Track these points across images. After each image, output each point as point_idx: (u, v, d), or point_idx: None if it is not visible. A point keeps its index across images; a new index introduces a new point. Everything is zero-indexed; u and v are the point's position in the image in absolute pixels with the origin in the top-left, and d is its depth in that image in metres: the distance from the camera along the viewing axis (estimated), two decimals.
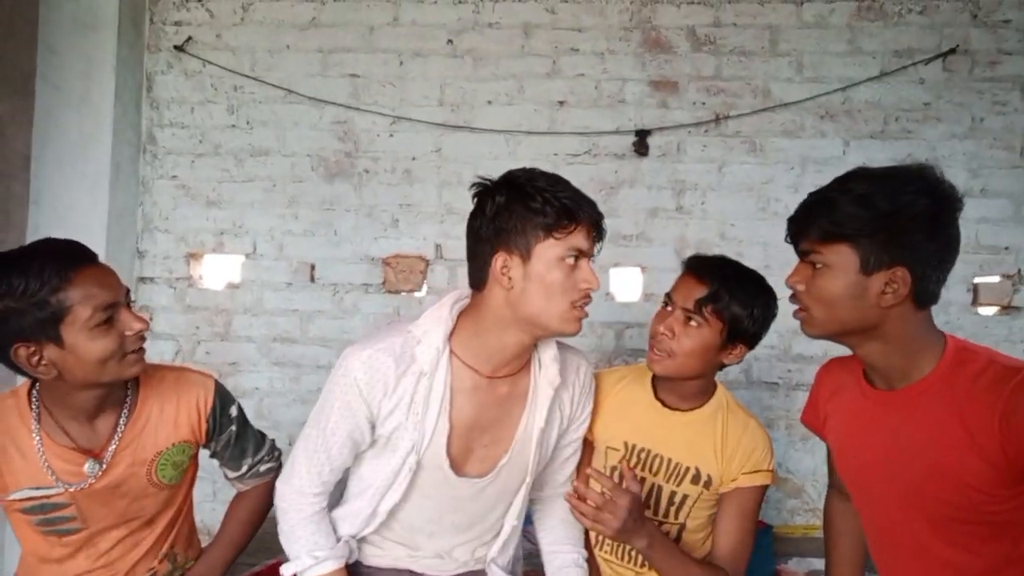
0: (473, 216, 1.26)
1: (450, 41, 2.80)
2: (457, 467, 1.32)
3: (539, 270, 1.19)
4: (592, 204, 1.25)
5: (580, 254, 1.22)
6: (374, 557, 1.43)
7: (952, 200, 1.12)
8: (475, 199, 1.26)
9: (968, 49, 2.67)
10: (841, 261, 1.12)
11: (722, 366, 1.51)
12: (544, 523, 1.57)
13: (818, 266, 1.14)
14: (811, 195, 1.18)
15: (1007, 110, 2.66)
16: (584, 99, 2.77)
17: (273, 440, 1.59)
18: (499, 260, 1.20)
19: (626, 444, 1.55)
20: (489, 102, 2.79)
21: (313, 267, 2.81)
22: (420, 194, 2.80)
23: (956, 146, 2.67)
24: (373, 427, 1.30)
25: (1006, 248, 2.65)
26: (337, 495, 1.44)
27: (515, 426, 1.35)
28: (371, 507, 1.36)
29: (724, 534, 1.51)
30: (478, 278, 1.26)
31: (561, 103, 2.77)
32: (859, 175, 1.15)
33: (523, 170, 1.26)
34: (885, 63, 2.70)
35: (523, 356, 1.32)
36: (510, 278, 1.20)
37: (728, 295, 1.42)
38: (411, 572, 1.43)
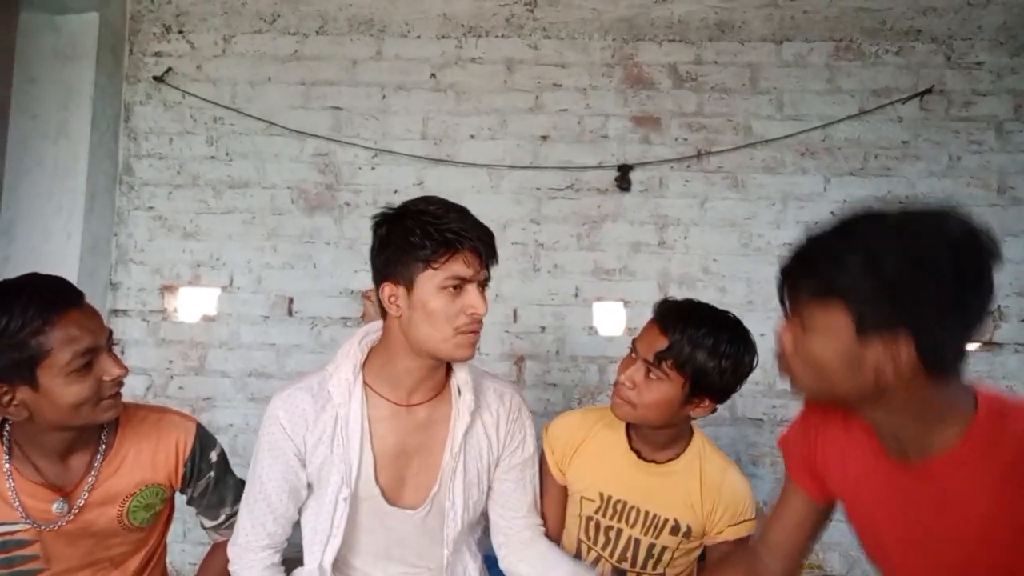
0: (371, 247, 1.31)
1: (433, 75, 2.80)
2: (391, 498, 1.33)
3: (422, 298, 1.23)
4: (479, 230, 1.25)
5: (463, 281, 1.23)
6: None
7: (980, 253, 0.87)
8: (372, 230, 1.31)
9: (944, 89, 2.72)
10: (834, 323, 0.92)
11: (691, 418, 1.45)
12: (526, 568, 1.49)
13: (807, 328, 0.97)
14: (809, 240, 0.99)
15: (983, 149, 2.70)
16: (567, 134, 2.78)
17: None
18: (386, 290, 1.26)
19: (601, 495, 1.52)
20: (472, 136, 2.78)
21: (291, 300, 2.76)
22: None
23: (935, 184, 2.70)
24: (304, 465, 1.32)
25: None
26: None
27: (440, 452, 1.35)
28: (316, 562, 1.33)
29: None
30: (381, 307, 1.30)
31: (544, 138, 2.78)
32: (867, 221, 0.93)
33: (419, 199, 1.29)
34: (864, 101, 2.74)
35: (431, 380, 1.34)
36: (398, 307, 1.26)
37: (691, 348, 1.35)
38: None
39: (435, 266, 1.22)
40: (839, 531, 2.66)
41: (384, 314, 1.31)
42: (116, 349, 2.68)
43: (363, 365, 1.34)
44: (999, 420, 0.92)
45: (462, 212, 1.26)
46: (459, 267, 1.22)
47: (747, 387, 2.66)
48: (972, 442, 0.92)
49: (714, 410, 1.43)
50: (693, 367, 1.35)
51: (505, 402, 1.43)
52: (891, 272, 0.87)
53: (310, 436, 1.30)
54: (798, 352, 0.99)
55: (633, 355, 1.43)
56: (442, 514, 1.36)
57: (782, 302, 1.04)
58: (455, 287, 1.23)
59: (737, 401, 2.70)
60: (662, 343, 1.36)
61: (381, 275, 1.27)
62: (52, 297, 1.18)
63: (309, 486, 1.35)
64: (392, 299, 1.26)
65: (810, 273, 0.97)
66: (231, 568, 1.37)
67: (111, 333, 1.27)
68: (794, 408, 2.67)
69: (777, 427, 2.70)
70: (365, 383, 1.32)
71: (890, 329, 0.88)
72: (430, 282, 1.22)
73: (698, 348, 1.35)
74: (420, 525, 1.35)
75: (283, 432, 1.30)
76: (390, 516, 1.33)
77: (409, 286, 1.24)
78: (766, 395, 2.71)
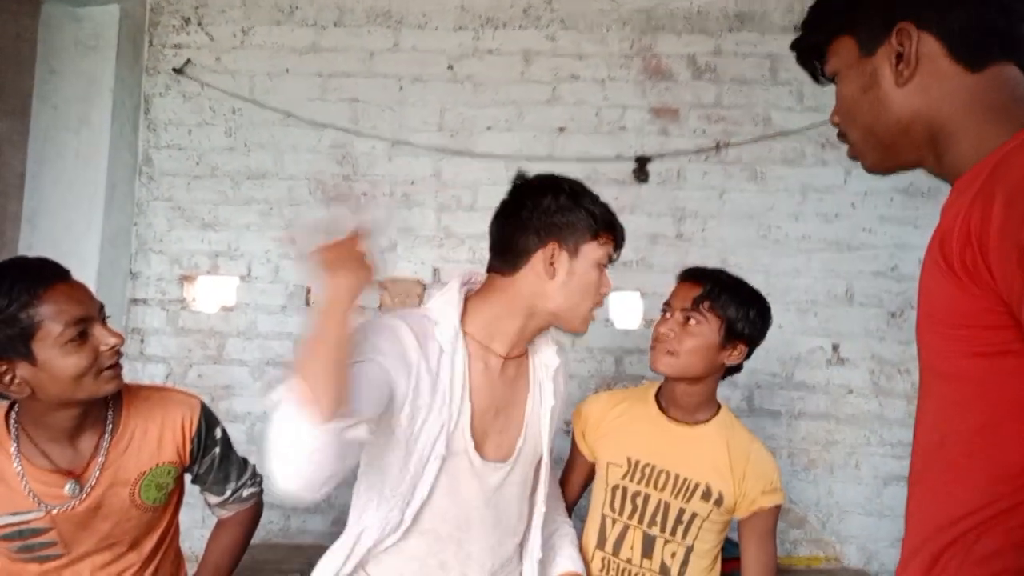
0: (518, 207, 1.29)
1: (450, 67, 2.80)
2: (480, 451, 1.30)
3: (582, 267, 1.27)
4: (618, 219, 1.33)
5: (609, 262, 1.31)
6: (382, 562, 1.31)
7: None
8: (521, 193, 1.31)
9: None
10: (842, 58, 0.87)
11: (724, 370, 1.52)
12: None
13: (836, 82, 0.89)
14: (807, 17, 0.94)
15: None
16: (584, 126, 2.76)
17: (255, 465, 1.55)
18: (549, 250, 1.25)
19: (629, 460, 1.52)
20: (489, 128, 2.78)
21: (308, 290, 2.78)
22: (418, 218, 2.78)
23: None
24: (396, 393, 1.17)
25: None
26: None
27: (523, 407, 1.37)
28: (397, 517, 1.25)
29: (755, 562, 1.50)
30: (511, 263, 1.28)
31: (561, 129, 2.77)
32: None
33: (563, 177, 1.32)
34: None
35: (530, 340, 1.38)
36: (554, 268, 1.26)
37: (723, 294, 1.47)
38: None
39: (601, 240, 1.27)
40: (857, 524, 2.67)
41: (505, 270, 1.27)
42: (136, 337, 2.74)
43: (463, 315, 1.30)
44: None
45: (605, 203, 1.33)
46: (611, 248, 1.30)
47: (765, 379, 2.67)
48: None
49: (747, 356, 1.51)
50: (726, 310, 1.46)
51: (560, 358, 1.48)
52: None
53: (422, 366, 1.20)
54: (840, 113, 0.91)
55: (667, 314, 1.52)
56: (523, 469, 1.37)
57: (816, 78, 0.95)
58: (603, 267, 1.30)
59: (755, 393, 2.69)
60: (697, 290, 1.48)
61: (544, 234, 1.25)
62: (37, 273, 1.21)
63: (388, 427, 1.20)
64: (552, 260, 1.25)
65: (812, 30, 0.91)
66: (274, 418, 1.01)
67: (103, 306, 1.28)
68: (811, 401, 2.67)
69: (794, 420, 2.69)
70: (467, 334, 1.29)
71: (891, 27, 0.80)
72: (593, 254, 1.27)
73: (729, 292, 1.48)
74: (503, 481, 1.33)
75: (405, 340, 1.19)
76: (478, 472, 1.29)
77: (573, 252, 1.26)
78: (784, 387, 2.70)
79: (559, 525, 1.54)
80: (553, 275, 1.26)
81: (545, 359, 1.41)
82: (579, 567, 1.47)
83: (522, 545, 1.43)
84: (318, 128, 2.79)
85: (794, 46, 0.94)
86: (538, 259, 1.26)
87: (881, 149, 0.89)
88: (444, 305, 1.30)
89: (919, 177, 2.67)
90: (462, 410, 1.27)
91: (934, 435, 0.78)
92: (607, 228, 1.28)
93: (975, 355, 0.71)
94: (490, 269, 1.33)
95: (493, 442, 1.33)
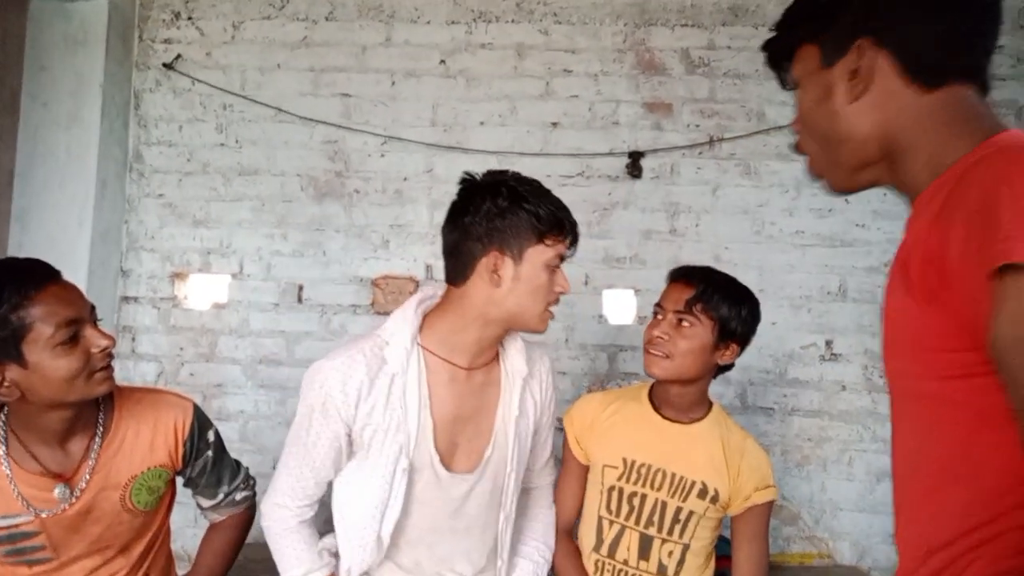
0: (461, 213, 1.27)
1: (443, 61, 2.78)
2: (447, 463, 1.32)
3: (528, 272, 1.24)
4: (571, 216, 1.30)
5: (561, 261, 1.28)
6: None
7: None
8: (465, 196, 1.29)
9: None
10: (804, 66, 0.86)
11: (717, 369, 1.52)
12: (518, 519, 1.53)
13: (798, 91, 0.88)
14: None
15: None
16: (577, 120, 2.75)
17: (247, 468, 1.54)
18: (491, 258, 1.24)
19: (624, 460, 1.51)
20: (482, 123, 2.77)
21: (301, 288, 2.77)
22: (411, 215, 2.77)
23: None
24: (350, 435, 1.30)
25: None
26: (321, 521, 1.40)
27: (493, 416, 1.37)
28: (374, 533, 1.31)
29: (748, 560, 1.49)
30: (460, 273, 1.28)
31: (554, 124, 2.76)
32: None
33: (512, 174, 1.29)
34: None
35: (494, 347, 1.37)
36: (499, 276, 1.24)
37: (715, 294, 1.46)
38: None
39: (548, 242, 1.24)
40: (850, 521, 2.67)
41: (456, 280, 1.28)
42: (127, 335, 2.73)
43: (420, 331, 1.32)
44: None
45: (556, 197, 1.30)
46: (563, 247, 1.27)
47: (758, 376, 2.67)
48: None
49: (739, 354, 1.51)
50: (719, 310, 1.45)
51: (544, 365, 1.48)
52: None
53: (363, 406, 1.26)
54: (799, 122, 0.90)
55: (659, 316, 1.51)
56: (494, 478, 1.37)
57: (783, 83, 0.93)
58: (554, 267, 1.27)
59: (748, 390, 2.69)
60: (689, 292, 1.46)
61: (485, 242, 1.23)
62: (28, 275, 1.19)
63: (351, 453, 1.33)
64: (495, 268, 1.24)
65: (781, 34, 0.90)
66: (262, 523, 1.37)
67: (94, 307, 1.27)
68: (804, 398, 2.67)
69: (787, 416, 2.69)
70: (424, 348, 1.31)
71: (851, 41, 0.80)
72: (540, 256, 1.24)
73: (721, 292, 1.46)
74: (471, 491, 1.35)
75: (334, 402, 1.26)
76: (444, 484, 1.32)
77: (517, 258, 1.24)
78: (777, 384, 2.70)
79: (525, 552, 1.52)
80: (499, 283, 1.24)
81: (516, 367, 1.39)
82: None
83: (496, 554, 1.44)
84: (309, 124, 2.77)
85: (764, 47, 0.93)
86: (483, 267, 1.24)
87: (837, 164, 0.88)
88: (399, 323, 1.31)
89: None
90: (421, 425, 1.28)
91: (910, 460, 0.78)
92: (554, 228, 1.24)
93: (942, 378, 0.71)
94: (446, 280, 1.32)
95: (463, 451, 1.35)
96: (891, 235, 2.69)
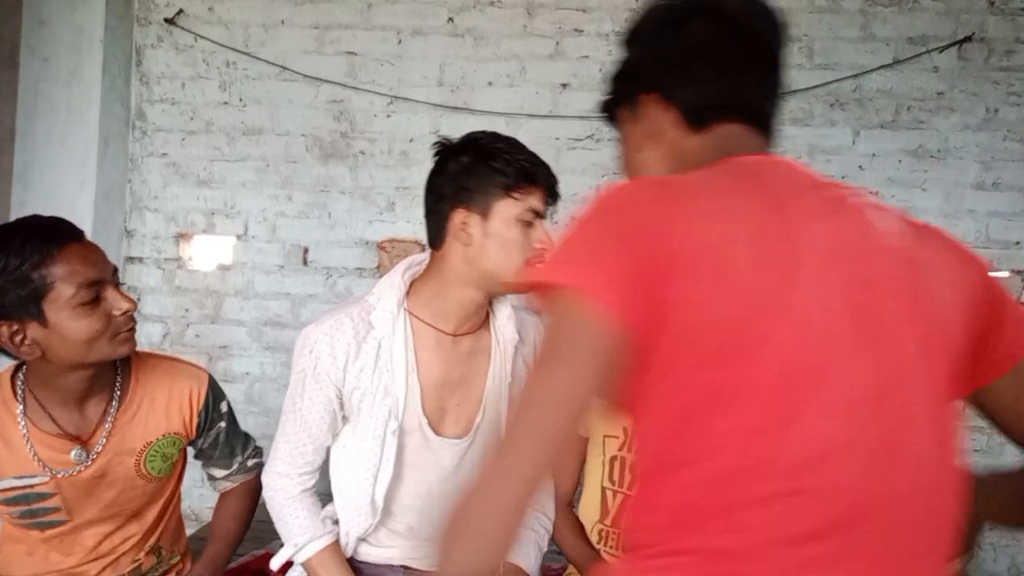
0: (433, 174, 1.29)
1: (451, 19, 2.72)
2: (435, 427, 1.33)
3: (497, 228, 1.24)
4: (547, 168, 1.29)
5: (536, 215, 1.26)
6: (369, 554, 1.40)
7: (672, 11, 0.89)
8: (436, 158, 1.30)
9: (984, 37, 2.60)
10: (623, 117, 0.94)
11: None
12: None
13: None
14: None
15: (1023, 101, 2.59)
16: (588, 82, 2.69)
17: (254, 439, 1.54)
18: (458, 216, 1.24)
19: (625, 430, 1.50)
20: (490, 83, 2.71)
21: (306, 250, 2.74)
22: (417, 177, 2.72)
23: (969, 137, 2.60)
24: (341, 399, 1.31)
25: (1017, 243, 2.59)
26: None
27: (483, 383, 1.36)
28: (367, 496, 1.32)
29: None
30: (437, 236, 1.29)
31: (564, 86, 2.70)
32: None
33: (484, 132, 1.30)
34: (898, 50, 2.62)
35: (481, 312, 1.35)
36: (469, 234, 1.24)
37: None
38: (405, 568, 1.39)
39: (515, 196, 1.23)
40: None
41: (436, 244, 1.29)
42: (132, 295, 2.72)
43: (407, 295, 1.33)
44: None
45: (531, 152, 1.29)
46: (535, 201, 1.25)
47: None
48: None
49: None
50: None
51: (539, 332, 1.45)
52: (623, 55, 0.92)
53: (352, 368, 1.28)
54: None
55: None
56: (487, 445, 1.35)
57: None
58: (528, 221, 1.25)
59: None
60: None
61: (452, 201, 1.24)
62: (51, 233, 1.17)
63: (344, 418, 1.34)
64: (463, 226, 1.24)
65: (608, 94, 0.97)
66: (265, 494, 1.38)
67: (116, 269, 1.25)
68: None
69: None
70: (410, 313, 1.31)
71: (637, 96, 0.89)
72: (508, 211, 1.23)
73: None
74: (461, 457, 1.35)
75: (325, 361, 1.28)
76: (434, 448, 1.33)
77: (484, 214, 1.23)
78: None
79: (532, 515, 1.50)
80: (469, 241, 1.24)
81: (507, 335, 1.38)
82: (529, 566, 1.44)
83: None
84: (314, 83, 2.72)
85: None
86: (454, 226, 1.25)
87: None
88: (385, 288, 1.32)
89: (928, 139, 2.61)
90: (409, 388, 1.29)
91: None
92: (523, 180, 1.23)
93: None
94: (428, 244, 1.32)
95: (451, 417, 1.35)
96: (905, 203, 2.63)
